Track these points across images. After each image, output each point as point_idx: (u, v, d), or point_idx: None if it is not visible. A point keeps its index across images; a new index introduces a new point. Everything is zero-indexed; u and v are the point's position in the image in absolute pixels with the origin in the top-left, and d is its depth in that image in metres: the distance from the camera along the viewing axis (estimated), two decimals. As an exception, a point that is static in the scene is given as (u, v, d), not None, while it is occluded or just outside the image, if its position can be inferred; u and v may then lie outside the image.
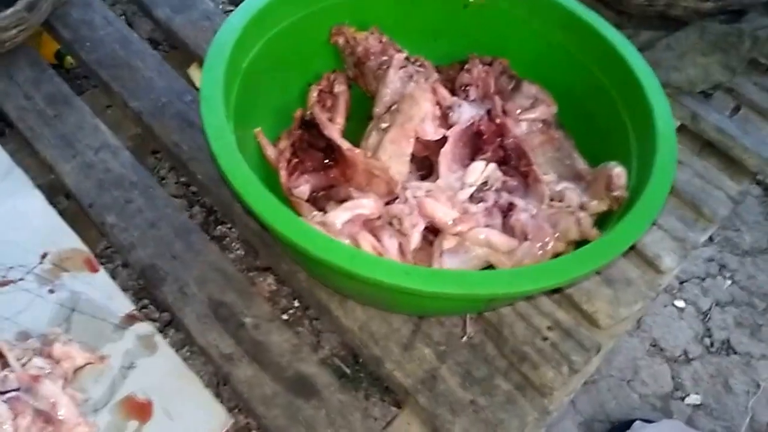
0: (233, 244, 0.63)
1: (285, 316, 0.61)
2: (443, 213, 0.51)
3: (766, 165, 0.72)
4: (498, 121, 0.57)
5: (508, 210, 0.52)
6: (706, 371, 1.26)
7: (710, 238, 1.40)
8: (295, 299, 0.88)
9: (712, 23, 0.77)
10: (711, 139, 0.74)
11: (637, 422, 1.09)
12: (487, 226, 0.51)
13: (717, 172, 0.71)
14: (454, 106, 0.57)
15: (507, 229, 0.52)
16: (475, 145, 0.57)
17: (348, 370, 0.57)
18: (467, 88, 0.59)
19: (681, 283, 1.36)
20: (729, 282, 1.38)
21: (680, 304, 1.34)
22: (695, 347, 1.29)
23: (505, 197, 0.53)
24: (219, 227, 0.65)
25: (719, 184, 0.69)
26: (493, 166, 0.55)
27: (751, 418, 1.20)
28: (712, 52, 0.76)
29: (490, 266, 0.51)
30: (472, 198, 0.53)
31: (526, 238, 0.50)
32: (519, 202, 0.53)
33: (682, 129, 0.75)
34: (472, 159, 0.57)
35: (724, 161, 0.73)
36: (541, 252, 0.49)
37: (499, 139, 0.57)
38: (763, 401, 1.23)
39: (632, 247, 0.61)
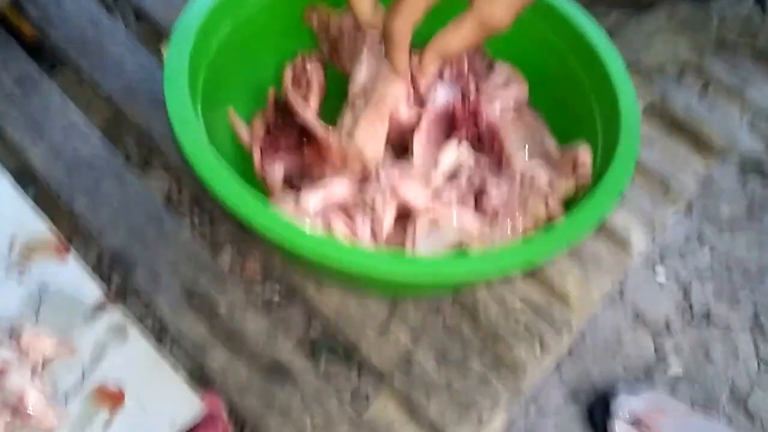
0: (224, 218, 0.62)
1: (276, 297, 0.61)
2: (416, 195, 0.51)
3: (733, 143, 0.73)
4: (472, 101, 0.57)
5: (480, 191, 0.52)
6: (687, 342, 1.28)
7: (689, 210, 1.41)
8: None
9: (680, 3, 0.78)
10: (679, 118, 0.75)
11: (622, 393, 1.11)
12: (459, 207, 0.51)
13: (686, 151, 0.71)
14: (429, 87, 0.57)
15: (479, 210, 0.52)
16: (449, 126, 0.57)
17: (341, 348, 0.57)
18: (441, 68, 0.58)
19: (662, 255, 1.37)
20: (708, 254, 1.39)
21: (661, 276, 1.36)
22: (676, 318, 1.31)
23: (478, 178, 0.53)
24: (209, 202, 0.64)
25: (688, 162, 0.70)
26: (466, 147, 0.54)
27: (731, 387, 1.22)
28: (680, 32, 0.77)
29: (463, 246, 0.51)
30: (446, 179, 0.53)
31: (497, 219, 0.50)
32: (491, 183, 0.53)
33: (651, 108, 0.76)
34: (447, 138, 0.56)
35: (693, 140, 0.74)
36: (511, 232, 0.49)
37: (472, 120, 0.57)
38: (743, 371, 1.25)
39: (601, 226, 0.62)
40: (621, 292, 1.31)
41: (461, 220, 0.50)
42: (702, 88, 0.79)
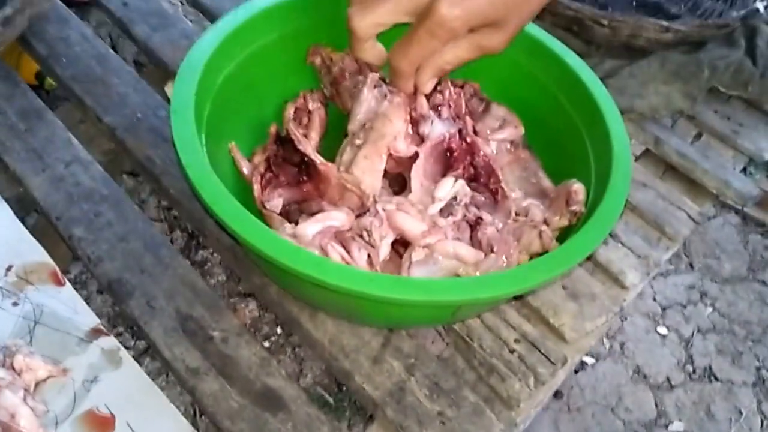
0: (214, 269, 0.62)
1: (267, 344, 0.60)
2: (412, 225, 0.51)
3: (726, 187, 0.75)
4: (469, 140, 0.58)
5: (476, 224, 0.53)
6: (689, 398, 1.26)
7: (691, 266, 1.41)
8: (277, 326, 0.88)
9: (673, 53, 0.81)
10: (673, 162, 0.77)
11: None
12: (455, 239, 0.52)
13: (679, 194, 0.73)
14: (427, 118, 0.58)
15: (474, 242, 0.53)
16: (446, 162, 0.58)
17: (331, 399, 0.56)
18: (439, 108, 0.60)
19: (663, 309, 1.37)
20: (710, 309, 1.39)
21: (662, 330, 1.35)
22: (678, 374, 1.29)
23: (473, 212, 0.54)
24: (201, 252, 0.64)
25: (681, 205, 0.71)
26: (462, 182, 0.55)
27: (734, 445, 1.20)
28: (673, 81, 0.79)
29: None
30: (442, 212, 0.54)
31: (492, 251, 0.51)
32: (486, 216, 0.54)
33: (646, 153, 0.78)
34: (444, 175, 0.57)
35: (686, 184, 0.76)
36: (505, 264, 0.50)
37: (469, 158, 0.58)
38: (746, 428, 1.23)
39: (590, 259, 0.64)
40: (622, 347, 1.30)
41: (456, 252, 0.51)
42: (695, 135, 0.81)
